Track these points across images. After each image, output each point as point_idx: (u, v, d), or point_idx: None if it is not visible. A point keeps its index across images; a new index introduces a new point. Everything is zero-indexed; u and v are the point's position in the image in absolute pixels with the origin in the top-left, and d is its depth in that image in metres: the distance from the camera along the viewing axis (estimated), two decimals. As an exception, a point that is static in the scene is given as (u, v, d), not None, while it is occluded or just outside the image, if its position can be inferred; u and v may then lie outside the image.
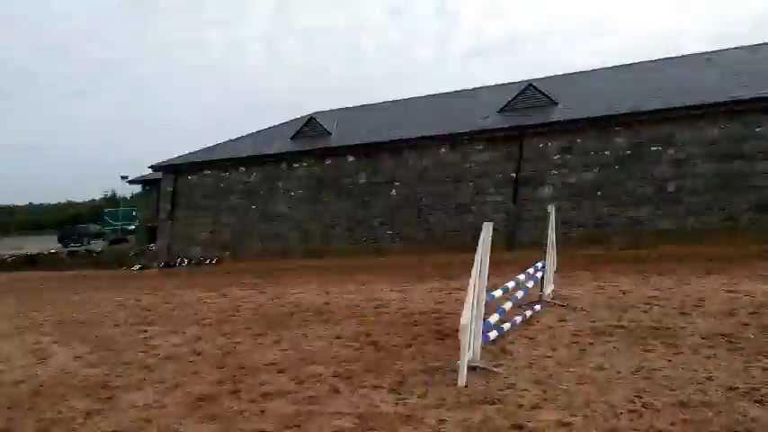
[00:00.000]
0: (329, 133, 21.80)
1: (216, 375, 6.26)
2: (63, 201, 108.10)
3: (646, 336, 6.28)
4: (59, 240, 46.08)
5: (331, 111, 26.23)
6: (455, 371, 5.29)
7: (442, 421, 4.31)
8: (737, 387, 4.60)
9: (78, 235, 47.32)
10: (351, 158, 19.69)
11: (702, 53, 20.28)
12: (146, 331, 9.07)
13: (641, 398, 4.51)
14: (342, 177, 19.70)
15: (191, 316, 10.17)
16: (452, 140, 18.03)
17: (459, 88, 25.56)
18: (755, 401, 4.30)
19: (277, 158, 20.95)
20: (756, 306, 7.29)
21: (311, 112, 25.36)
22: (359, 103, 26.95)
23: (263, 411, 4.99)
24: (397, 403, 4.83)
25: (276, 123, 26.12)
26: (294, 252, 20.10)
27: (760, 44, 19.32)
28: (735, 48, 19.90)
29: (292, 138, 22.30)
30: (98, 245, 35.89)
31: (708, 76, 17.12)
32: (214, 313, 10.24)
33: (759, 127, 14.30)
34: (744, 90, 14.95)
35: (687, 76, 17.77)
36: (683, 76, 17.76)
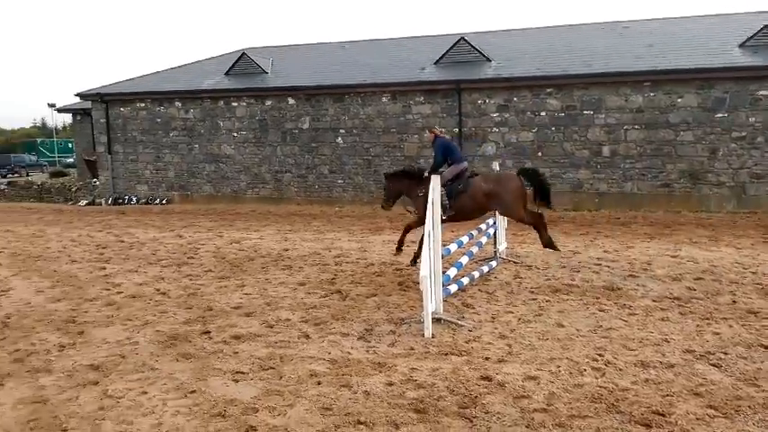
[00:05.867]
0: (265, 72, 21.22)
1: (184, 315, 6.41)
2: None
3: (599, 296, 6.77)
4: (-6, 169, 43.68)
5: (264, 48, 25.30)
6: (420, 322, 5.65)
7: (414, 370, 4.65)
8: (694, 350, 4.95)
9: (14, 165, 45.09)
10: (291, 101, 19.36)
11: (619, 21, 20.90)
12: (104, 269, 9.03)
13: (602, 356, 4.86)
14: (285, 120, 19.41)
15: (149, 256, 10.15)
16: (394, 90, 18.01)
17: (388, 36, 25.03)
18: (712, 365, 4.62)
19: (214, 95, 20.36)
20: (701, 272, 7.84)
21: (241, 47, 24.43)
22: (290, 43, 26.02)
23: (236, 353, 5.21)
24: (368, 351, 5.15)
25: (204, 58, 25.13)
26: (245, 196, 19.95)
27: (676, 17, 20.17)
28: (649, 19, 20.63)
29: (226, 74, 21.55)
30: (38, 177, 34.29)
31: (627, 45, 17.66)
32: (172, 254, 10.25)
33: (681, 98, 15.12)
34: (661, 60, 15.69)
35: (609, 42, 18.27)
36: (605, 43, 18.25)
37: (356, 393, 4.26)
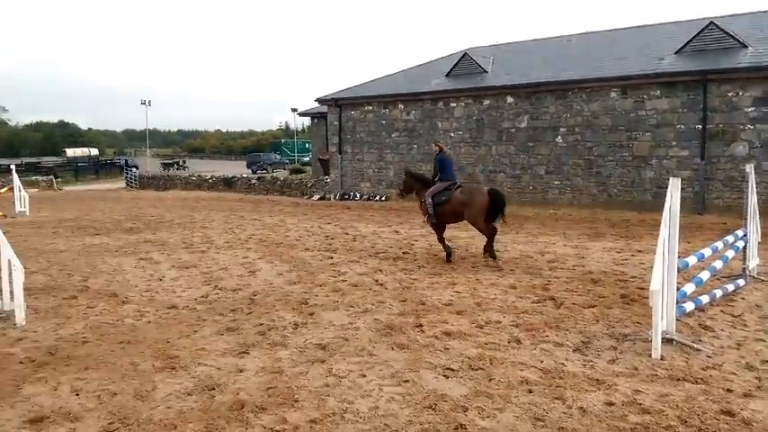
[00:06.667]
0: (485, 71, 21.04)
1: (399, 307, 6.71)
2: (245, 129, 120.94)
3: None
4: (248, 166, 51.49)
5: (485, 47, 25.17)
6: (647, 340, 5.10)
7: (637, 392, 4.22)
8: None
9: (263, 162, 52.42)
10: (510, 99, 18.93)
11: None
12: (332, 258, 9.92)
13: None
14: (502, 120, 19.10)
15: (369, 248, 10.89)
16: (625, 83, 16.45)
17: (626, 25, 22.86)
18: None
19: (434, 96, 20.86)
20: None
21: (464, 48, 24.57)
22: (515, 40, 25.52)
23: (447, 348, 5.28)
24: (584, 365, 4.81)
25: (428, 60, 25.84)
26: (460, 196, 20.27)
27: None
28: None
29: (447, 75, 21.91)
30: (281, 173, 39.26)
31: None
32: (389, 248, 10.83)
33: None
34: None
35: None
36: None
37: (571, 408, 4.00)
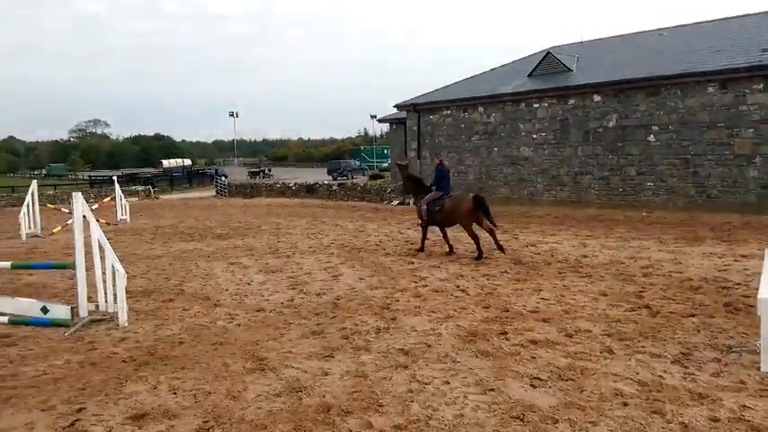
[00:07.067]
0: (569, 70, 20.25)
1: (482, 314, 6.58)
2: (326, 137, 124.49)
3: None
4: (329, 173, 52.76)
5: (569, 45, 24.26)
6: (755, 352, 4.71)
7: (745, 408, 3.90)
8: None
9: (343, 169, 53.52)
10: (597, 98, 18.11)
11: None
12: (412, 263, 9.91)
13: None
14: (588, 119, 18.32)
15: (449, 253, 10.77)
16: (724, 78, 15.29)
17: (722, 15, 21.28)
18: None
19: (515, 98, 20.34)
20: None
21: (547, 47, 23.80)
22: (600, 36, 24.43)
23: (533, 357, 5.11)
24: (684, 377, 4.50)
25: (509, 61, 25.26)
26: (541, 199, 19.68)
27: None
28: None
29: (529, 75, 21.28)
30: (360, 179, 39.86)
31: None
32: (470, 253, 10.66)
33: None
34: None
35: None
36: None
37: (671, 423, 3.75)
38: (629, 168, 17.45)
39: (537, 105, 19.77)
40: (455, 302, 7.13)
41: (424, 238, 11.14)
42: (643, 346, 5.26)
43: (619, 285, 7.72)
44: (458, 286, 8.01)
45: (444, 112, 22.89)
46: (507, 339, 5.65)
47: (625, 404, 4.08)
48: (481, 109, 21.55)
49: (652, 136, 16.89)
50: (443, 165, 11.19)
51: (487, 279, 8.45)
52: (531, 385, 4.48)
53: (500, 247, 10.19)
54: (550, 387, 4.44)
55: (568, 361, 4.98)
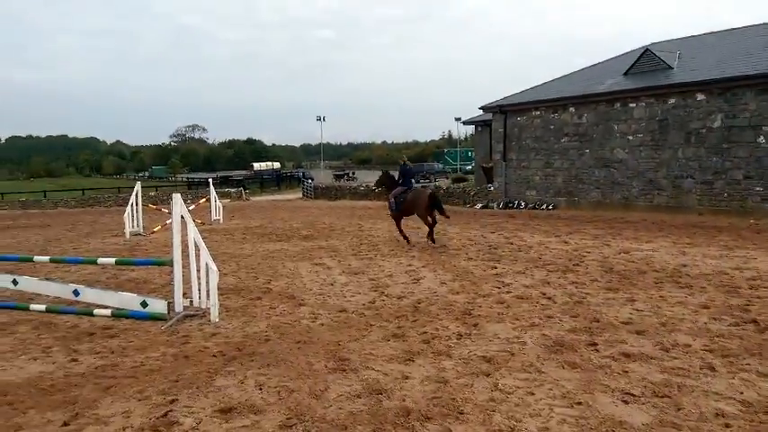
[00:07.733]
0: (670, 67, 18.97)
1: (569, 323, 6.31)
2: (410, 140, 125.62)
3: None
4: (411, 176, 52.83)
5: (670, 41, 22.74)
6: None
7: None
8: None
9: (426, 172, 53.52)
10: (701, 97, 16.88)
11: None
12: (495, 268, 9.70)
13: None
14: (690, 120, 17.12)
15: (536, 259, 10.45)
16: None
17: None
18: None
19: (609, 97, 19.34)
20: None
21: (645, 44, 22.45)
22: (704, 31, 22.74)
23: (625, 371, 4.83)
24: (800, 401, 4.09)
25: (603, 60, 24.07)
26: (636, 204, 18.67)
27: None
28: None
29: (625, 74, 20.16)
30: (443, 182, 39.66)
31: None
32: (558, 260, 10.30)
33: None
34: None
35: None
36: None
37: (782, 452, 3.41)
38: (736, 172, 16.19)
39: (633, 105, 18.79)
40: (540, 310, 6.89)
41: (400, 229, 12.93)
42: (748, 364, 4.84)
43: (722, 298, 7.16)
44: (543, 293, 7.74)
45: (533, 113, 22.28)
46: (597, 351, 5.38)
47: (727, 425, 3.76)
48: (572, 109, 20.78)
49: (762, 137, 15.59)
50: (407, 164, 13.42)
51: (576, 287, 8.10)
52: (623, 401, 4.23)
53: (432, 239, 12.24)
54: (644, 404, 4.17)
55: (664, 377, 4.66)
